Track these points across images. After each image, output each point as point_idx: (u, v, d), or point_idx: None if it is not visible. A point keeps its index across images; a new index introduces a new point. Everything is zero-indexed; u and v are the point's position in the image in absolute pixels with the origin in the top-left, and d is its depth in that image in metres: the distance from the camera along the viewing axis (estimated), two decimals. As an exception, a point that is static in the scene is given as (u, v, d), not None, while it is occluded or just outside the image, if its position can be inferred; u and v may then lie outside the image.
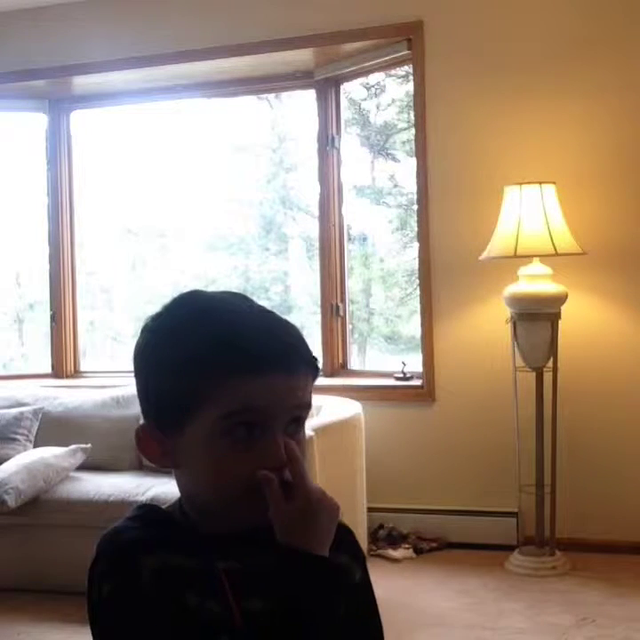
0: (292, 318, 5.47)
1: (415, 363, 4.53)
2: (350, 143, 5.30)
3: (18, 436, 4.32)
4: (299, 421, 1.04)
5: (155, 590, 0.98)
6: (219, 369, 0.99)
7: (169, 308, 1.07)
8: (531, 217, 3.81)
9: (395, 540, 4.26)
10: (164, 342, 1.04)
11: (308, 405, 1.05)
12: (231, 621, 1.00)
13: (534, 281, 3.88)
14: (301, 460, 1.02)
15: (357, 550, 1.14)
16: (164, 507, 1.10)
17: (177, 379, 1.01)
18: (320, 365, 1.09)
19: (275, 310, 1.09)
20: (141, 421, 1.08)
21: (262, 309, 1.08)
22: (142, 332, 1.07)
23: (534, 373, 3.92)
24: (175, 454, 1.04)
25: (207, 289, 1.12)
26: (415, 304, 4.71)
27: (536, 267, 3.88)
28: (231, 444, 1.00)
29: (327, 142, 4.79)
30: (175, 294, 1.09)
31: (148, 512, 1.09)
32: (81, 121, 5.36)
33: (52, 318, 5.28)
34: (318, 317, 4.89)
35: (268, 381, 1.00)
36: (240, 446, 1.00)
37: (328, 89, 4.80)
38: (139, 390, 1.08)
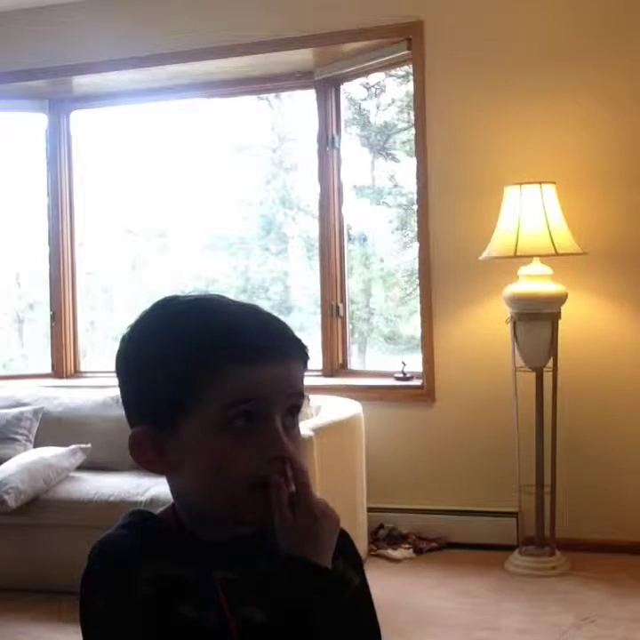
0: (292, 318, 5.49)
1: (415, 363, 4.53)
2: (350, 143, 5.30)
3: (18, 436, 4.32)
4: (295, 412, 1.03)
5: (150, 604, 0.97)
6: (217, 358, 0.98)
7: (149, 312, 1.05)
8: (531, 217, 3.81)
9: (395, 540, 4.26)
10: (153, 340, 1.02)
11: (303, 394, 1.04)
12: (227, 632, 0.99)
13: (534, 281, 3.88)
14: (307, 472, 1.01)
15: (355, 556, 1.13)
16: (157, 512, 1.08)
17: (172, 372, 0.99)
18: (311, 355, 1.08)
19: (274, 310, 1.09)
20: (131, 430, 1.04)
21: (245, 303, 1.07)
22: (122, 340, 1.05)
23: (534, 373, 3.92)
24: (171, 457, 1.01)
25: (207, 289, 1.12)
26: (415, 304, 4.71)
27: (536, 267, 3.88)
28: (231, 437, 0.98)
29: (327, 142, 4.79)
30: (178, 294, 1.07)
31: (141, 519, 1.07)
32: (81, 121, 5.36)
33: (52, 318, 5.28)
34: (318, 317, 4.89)
35: (266, 369, 0.99)
36: (240, 438, 0.98)
37: (328, 89, 4.80)
38: (126, 395, 1.05)
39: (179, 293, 1.08)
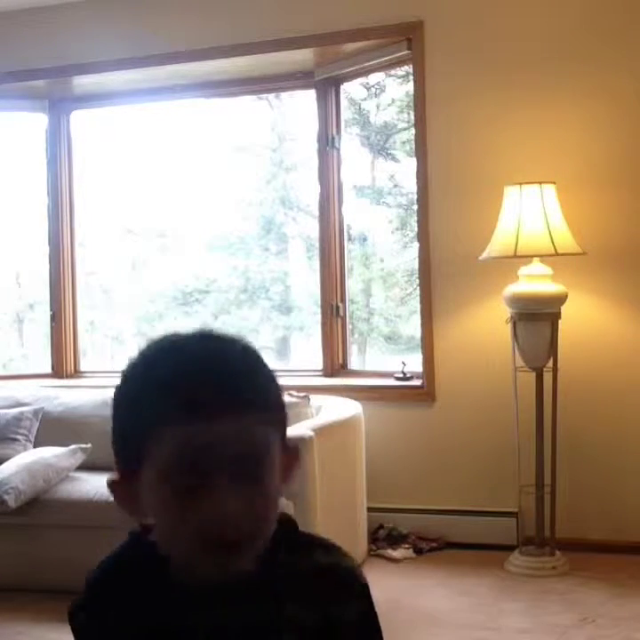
0: (292, 318, 5.49)
1: (415, 363, 4.53)
2: (350, 143, 5.30)
3: (18, 436, 4.32)
4: (253, 466, 0.94)
5: None
6: (152, 421, 0.95)
7: (137, 353, 1.03)
8: (531, 217, 3.81)
9: (395, 540, 4.26)
10: (117, 392, 1.03)
11: (258, 445, 0.94)
12: None
13: (534, 281, 3.88)
14: None
15: (359, 585, 1.05)
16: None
17: (120, 429, 1.02)
18: (270, 399, 0.98)
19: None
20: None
21: (211, 348, 0.98)
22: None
23: (534, 373, 3.92)
24: (139, 507, 1.00)
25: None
26: (415, 304, 4.71)
27: (536, 267, 3.88)
28: (176, 498, 0.94)
29: (327, 142, 4.79)
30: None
31: (134, 548, 1.05)
32: (81, 121, 5.36)
33: (52, 318, 5.28)
34: (318, 317, 4.89)
35: (197, 429, 0.92)
36: (185, 501, 0.93)
37: (328, 89, 4.80)
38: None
39: (174, 333, 1.02)
